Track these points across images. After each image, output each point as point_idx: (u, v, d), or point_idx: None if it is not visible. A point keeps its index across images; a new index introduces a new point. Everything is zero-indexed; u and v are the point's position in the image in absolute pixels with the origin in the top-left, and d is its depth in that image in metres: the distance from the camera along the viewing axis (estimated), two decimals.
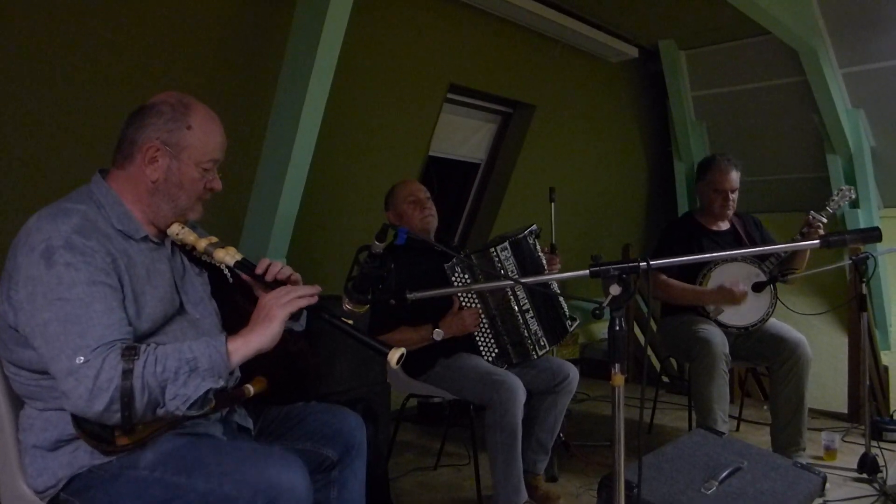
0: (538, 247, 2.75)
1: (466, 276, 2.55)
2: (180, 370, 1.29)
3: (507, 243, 2.63)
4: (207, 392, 1.31)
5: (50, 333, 1.27)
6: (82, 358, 1.25)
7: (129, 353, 1.28)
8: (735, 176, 3.12)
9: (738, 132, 5.41)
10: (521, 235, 2.69)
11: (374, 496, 1.76)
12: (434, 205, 2.75)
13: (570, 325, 2.75)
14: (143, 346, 1.31)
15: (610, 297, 1.36)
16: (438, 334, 2.48)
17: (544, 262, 2.74)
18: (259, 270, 1.53)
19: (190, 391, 1.29)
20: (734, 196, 3.14)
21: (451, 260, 2.54)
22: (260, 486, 1.31)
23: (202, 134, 1.49)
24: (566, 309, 2.77)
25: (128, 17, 2.49)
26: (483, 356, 2.60)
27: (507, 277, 2.53)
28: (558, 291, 2.75)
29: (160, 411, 1.29)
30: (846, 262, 3.13)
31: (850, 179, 4.94)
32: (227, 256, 1.52)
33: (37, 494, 1.40)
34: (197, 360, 1.31)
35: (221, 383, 1.34)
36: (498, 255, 2.60)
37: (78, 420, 1.29)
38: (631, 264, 1.34)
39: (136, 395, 1.25)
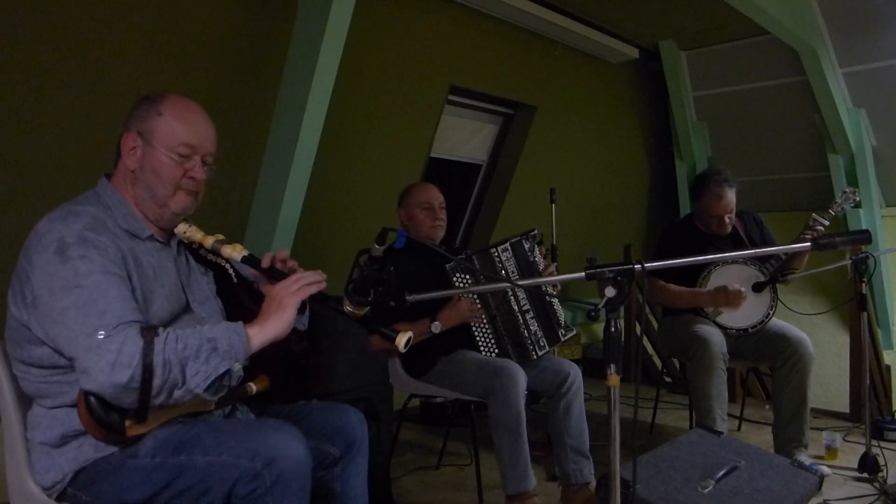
0: (536, 251, 2.77)
1: (467, 277, 2.58)
2: (202, 348, 1.32)
3: (507, 244, 2.68)
4: (225, 373, 1.34)
5: (69, 318, 1.30)
6: (103, 333, 1.27)
7: (149, 331, 1.31)
8: (730, 198, 3.09)
9: (739, 132, 5.42)
10: (520, 238, 2.73)
11: (376, 495, 1.78)
12: (446, 213, 2.79)
13: (563, 335, 2.76)
14: (161, 328, 1.34)
15: (605, 299, 1.38)
16: (437, 327, 2.51)
17: (541, 266, 2.76)
18: (265, 265, 1.57)
19: (211, 368, 1.32)
20: (731, 215, 3.13)
21: (452, 262, 2.56)
22: (258, 450, 1.34)
23: (172, 119, 1.51)
24: (562, 318, 2.78)
25: (129, 18, 2.50)
26: (483, 354, 2.61)
27: (505, 280, 2.57)
28: (555, 295, 2.76)
29: (177, 393, 1.30)
30: (847, 261, 3.12)
31: (852, 179, 4.95)
32: (234, 252, 1.55)
33: (44, 491, 1.43)
34: (217, 341, 1.34)
35: (238, 367, 1.37)
36: (499, 256, 2.64)
37: (90, 408, 1.30)
38: (625, 267, 1.36)
39: (157, 370, 1.27)
